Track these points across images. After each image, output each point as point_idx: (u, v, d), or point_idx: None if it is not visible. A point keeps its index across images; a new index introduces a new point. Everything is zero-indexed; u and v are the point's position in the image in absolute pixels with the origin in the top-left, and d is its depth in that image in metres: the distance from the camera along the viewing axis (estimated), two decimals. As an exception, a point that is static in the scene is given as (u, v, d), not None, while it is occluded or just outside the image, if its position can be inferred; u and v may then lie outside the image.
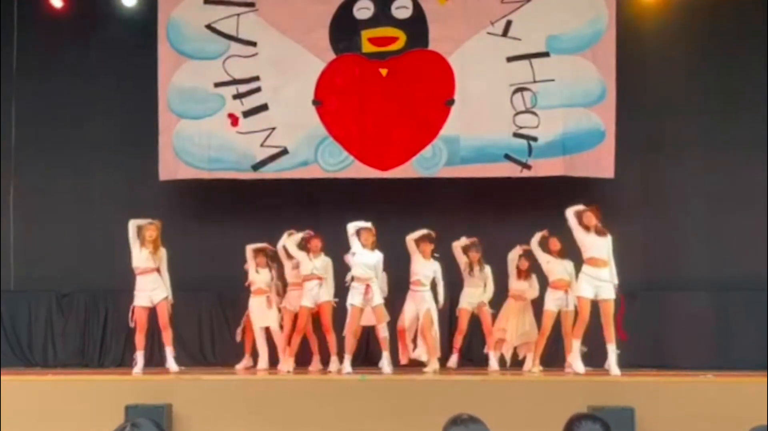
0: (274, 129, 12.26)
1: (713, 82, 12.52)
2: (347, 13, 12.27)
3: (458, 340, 11.68)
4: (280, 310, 11.60)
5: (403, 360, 11.30)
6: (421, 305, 11.13)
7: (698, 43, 12.52)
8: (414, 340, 11.28)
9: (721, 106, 12.49)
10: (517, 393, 9.71)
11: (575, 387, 9.79)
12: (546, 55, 12.04)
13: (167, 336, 11.01)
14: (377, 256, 10.95)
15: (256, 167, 12.25)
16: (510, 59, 12.09)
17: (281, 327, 11.54)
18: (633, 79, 12.05)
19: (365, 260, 10.86)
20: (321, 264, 11.21)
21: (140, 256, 10.93)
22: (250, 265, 11.59)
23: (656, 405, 9.26)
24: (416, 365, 11.20)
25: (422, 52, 12.24)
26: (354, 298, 10.84)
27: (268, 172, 12.27)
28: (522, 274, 11.55)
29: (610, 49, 11.85)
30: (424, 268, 11.18)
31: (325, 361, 11.39)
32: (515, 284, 11.54)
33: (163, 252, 11.01)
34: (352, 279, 10.87)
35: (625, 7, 11.93)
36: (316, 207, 12.54)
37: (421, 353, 11.16)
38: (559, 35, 12.03)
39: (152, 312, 11.03)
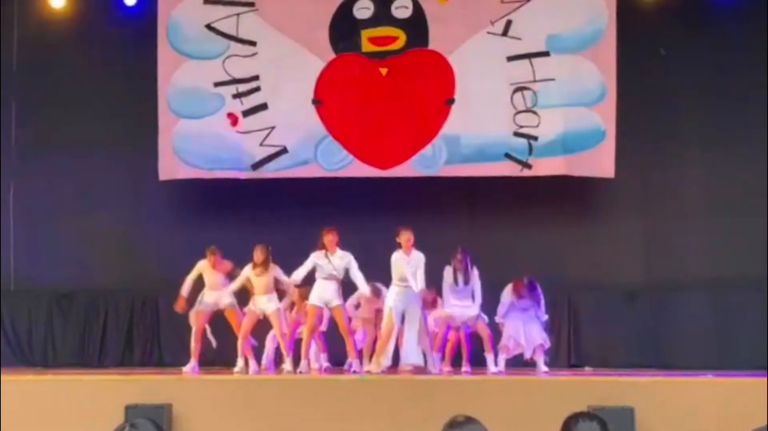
0: (273, 128, 12.25)
1: (713, 82, 12.50)
2: (347, 13, 12.26)
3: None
4: None
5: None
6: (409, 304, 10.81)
7: (698, 42, 12.51)
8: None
9: (721, 105, 12.47)
10: (517, 393, 9.69)
11: (575, 387, 9.77)
12: (546, 54, 12.03)
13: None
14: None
15: (255, 166, 12.24)
16: (510, 58, 12.07)
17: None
18: (633, 78, 12.04)
19: None
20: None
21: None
22: None
23: (656, 405, 9.25)
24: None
25: (422, 51, 12.22)
26: None
27: (268, 172, 12.26)
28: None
29: (610, 48, 11.84)
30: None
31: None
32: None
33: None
34: None
35: (625, 7, 11.92)
36: (315, 206, 12.52)
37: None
38: (559, 35, 12.01)
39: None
